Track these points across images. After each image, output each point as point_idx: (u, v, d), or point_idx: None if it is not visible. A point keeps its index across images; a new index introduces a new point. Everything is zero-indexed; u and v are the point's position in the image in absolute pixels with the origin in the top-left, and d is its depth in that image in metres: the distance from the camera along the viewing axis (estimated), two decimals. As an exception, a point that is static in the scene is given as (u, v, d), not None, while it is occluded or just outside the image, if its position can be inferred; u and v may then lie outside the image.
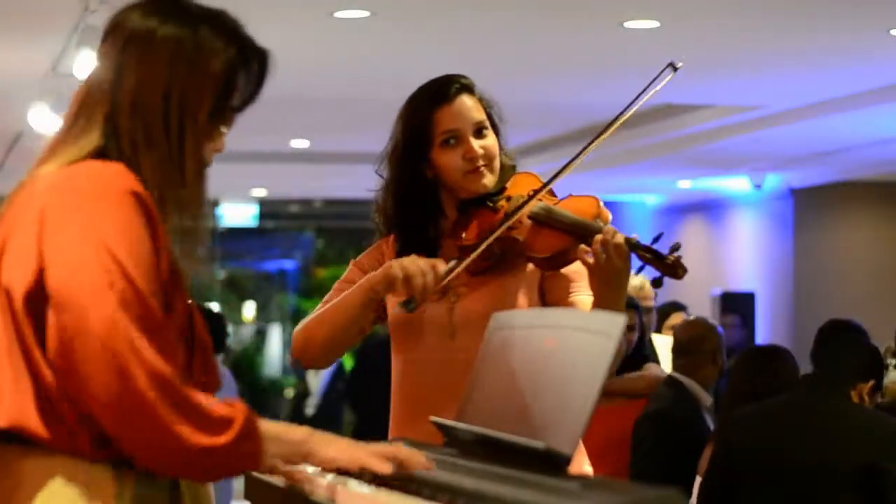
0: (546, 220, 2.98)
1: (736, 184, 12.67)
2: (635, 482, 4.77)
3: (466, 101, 3.13)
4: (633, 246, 2.83)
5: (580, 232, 2.90)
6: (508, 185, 3.13)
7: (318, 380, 17.18)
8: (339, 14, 6.26)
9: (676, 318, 6.81)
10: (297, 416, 18.33)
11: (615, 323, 2.21)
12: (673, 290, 14.54)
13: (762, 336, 12.72)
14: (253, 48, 2.19)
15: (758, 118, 9.24)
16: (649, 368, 5.70)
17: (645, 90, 3.10)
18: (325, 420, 17.42)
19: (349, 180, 13.56)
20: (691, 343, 5.26)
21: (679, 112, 9.51)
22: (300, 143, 11.54)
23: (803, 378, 4.40)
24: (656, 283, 2.87)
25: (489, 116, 3.16)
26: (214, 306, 17.47)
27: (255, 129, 10.68)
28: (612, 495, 1.97)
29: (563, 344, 2.29)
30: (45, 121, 7.70)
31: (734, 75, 7.89)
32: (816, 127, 9.31)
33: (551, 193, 3.11)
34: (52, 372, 2.01)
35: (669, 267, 2.81)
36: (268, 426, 2.09)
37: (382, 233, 3.20)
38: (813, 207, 12.54)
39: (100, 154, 2.10)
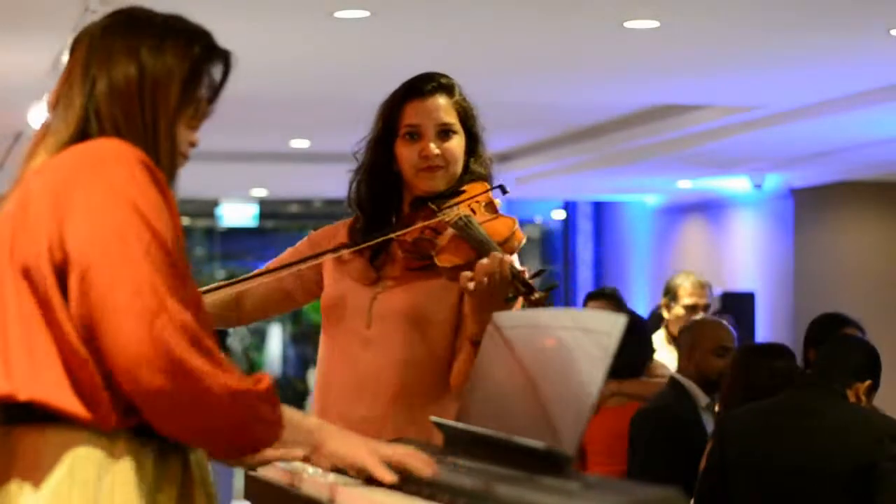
0: (462, 232, 3.02)
1: (736, 184, 12.66)
2: (633, 479, 4.80)
3: (439, 100, 3.15)
4: (512, 276, 2.90)
5: (482, 251, 2.95)
6: (463, 190, 3.16)
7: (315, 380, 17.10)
8: (339, 14, 6.25)
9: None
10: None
11: (615, 323, 2.21)
12: (673, 290, 14.53)
13: (762, 336, 12.71)
14: (215, 46, 2.25)
15: (758, 118, 9.23)
16: (657, 369, 5.71)
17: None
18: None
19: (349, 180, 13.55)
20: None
21: (679, 112, 9.50)
22: (300, 143, 11.54)
23: (799, 377, 4.40)
24: None
25: (464, 121, 3.17)
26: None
27: (255, 129, 10.68)
28: (613, 495, 1.97)
29: (563, 344, 2.29)
30: (45, 121, 7.70)
31: (734, 75, 7.88)
32: (816, 127, 9.30)
33: (492, 209, 3.13)
34: (82, 340, 2.03)
35: (533, 304, 2.89)
36: (286, 410, 2.13)
37: (354, 212, 3.26)
38: (813, 207, 12.53)
39: (84, 136, 2.14)
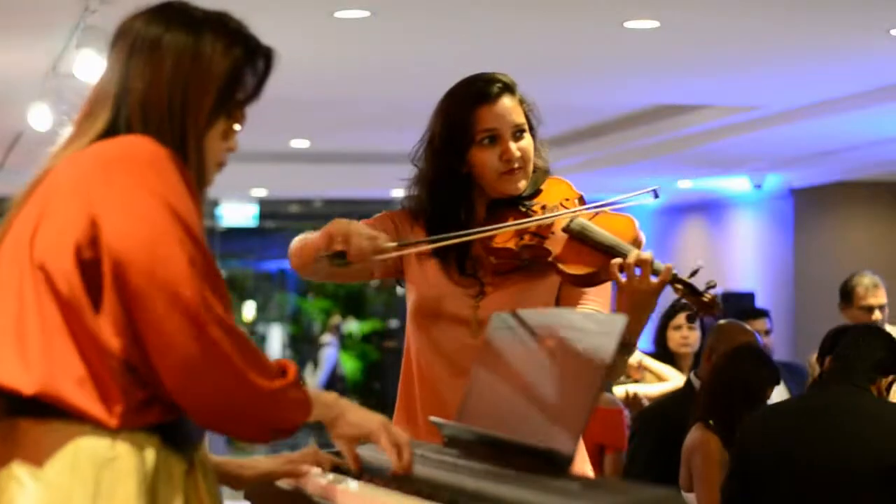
0: (581, 237, 2.95)
1: (736, 184, 12.67)
2: (629, 472, 4.82)
3: (507, 101, 3.12)
4: (670, 278, 2.82)
5: (615, 254, 2.87)
6: (542, 189, 3.12)
7: (315, 380, 17.16)
8: (339, 14, 6.26)
9: (680, 319, 6.78)
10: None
11: (615, 323, 2.21)
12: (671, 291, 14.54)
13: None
14: (257, 47, 2.25)
15: (758, 118, 9.24)
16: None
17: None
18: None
19: (349, 180, 13.55)
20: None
21: (679, 112, 9.51)
22: (300, 143, 11.54)
23: (820, 375, 4.29)
24: (691, 318, 2.86)
25: (527, 118, 3.16)
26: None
27: (255, 129, 10.66)
28: (612, 495, 1.97)
29: (563, 344, 2.29)
30: (45, 121, 7.70)
31: (734, 75, 7.88)
32: (816, 127, 9.31)
33: (582, 203, 3.08)
34: (114, 336, 2.04)
35: (705, 305, 2.80)
36: (308, 388, 2.22)
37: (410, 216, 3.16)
38: (813, 207, 12.54)
39: (110, 132, 2.15)
